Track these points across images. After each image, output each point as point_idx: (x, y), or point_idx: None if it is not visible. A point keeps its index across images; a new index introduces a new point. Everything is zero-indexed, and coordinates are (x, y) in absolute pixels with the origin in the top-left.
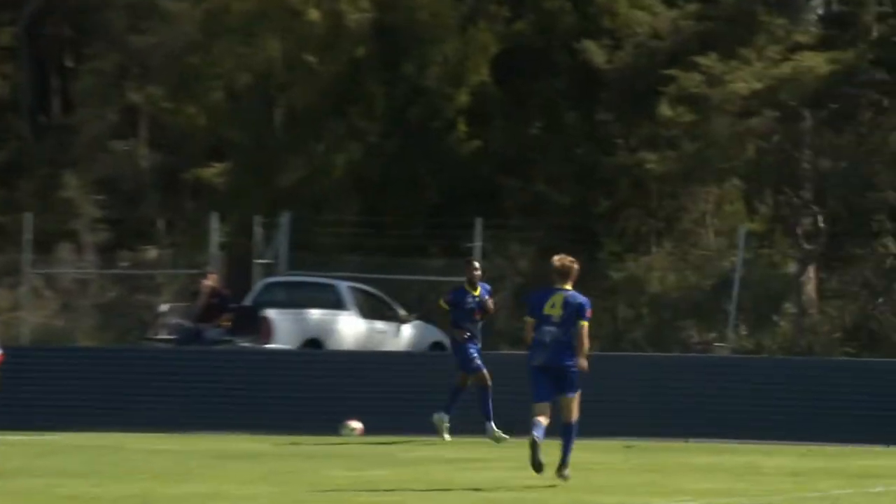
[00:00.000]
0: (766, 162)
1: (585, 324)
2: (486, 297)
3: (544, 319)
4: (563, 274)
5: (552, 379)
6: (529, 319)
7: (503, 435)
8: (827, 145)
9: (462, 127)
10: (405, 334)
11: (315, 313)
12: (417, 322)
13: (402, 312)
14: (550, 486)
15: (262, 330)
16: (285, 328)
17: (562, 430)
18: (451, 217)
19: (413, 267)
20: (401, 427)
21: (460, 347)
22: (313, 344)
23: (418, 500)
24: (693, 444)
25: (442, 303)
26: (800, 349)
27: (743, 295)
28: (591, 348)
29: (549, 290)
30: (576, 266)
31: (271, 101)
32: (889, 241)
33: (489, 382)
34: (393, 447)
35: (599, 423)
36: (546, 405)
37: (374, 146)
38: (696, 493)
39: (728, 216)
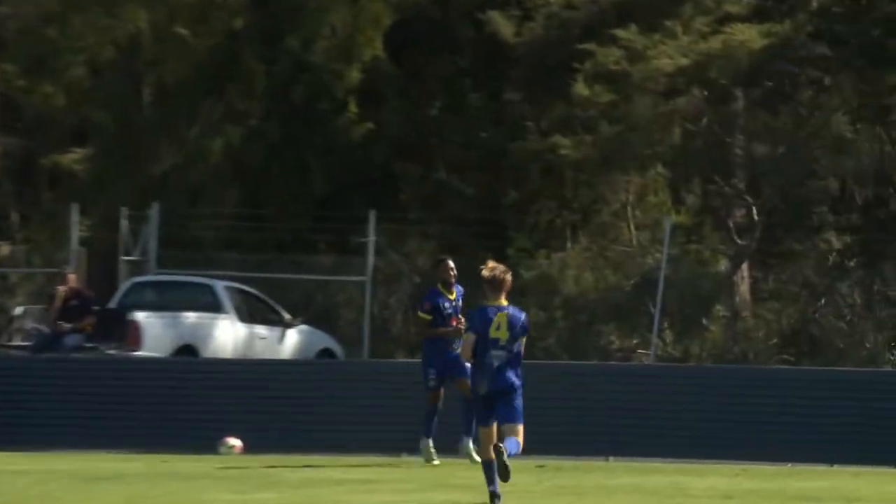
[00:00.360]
0: (693, 147)
1: (524, 339)
2: (460, 301)
3: (491, 343)
4: (497, 286)
5: (496, 402)
6: (470, 336)
7: (433, 456)
8: (761, 128)
9: (353, 108)
10: (290, 340)
11: (189, 317)
12: (304, 327)
13: (286, 316)
14: None
15: (130, 335)
16: (155, 333)
17: (506, 441)
18: (342, 209)
19: (299, 264)
20: (287, 444)
21: (424, 360)
22: (187, 351)
23: None
24: (614, 463)
25: (421, 314)
26: (732, 357)
27: (668, 296)
28: None
29: (489, 309)
30: (509, 276)
31: (139, 78)
32: (831, 235)
33: (438, 403)
34: (278, 467)
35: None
36: (493, 429)
37: (255, 129)
38: None
39: (651, 208)
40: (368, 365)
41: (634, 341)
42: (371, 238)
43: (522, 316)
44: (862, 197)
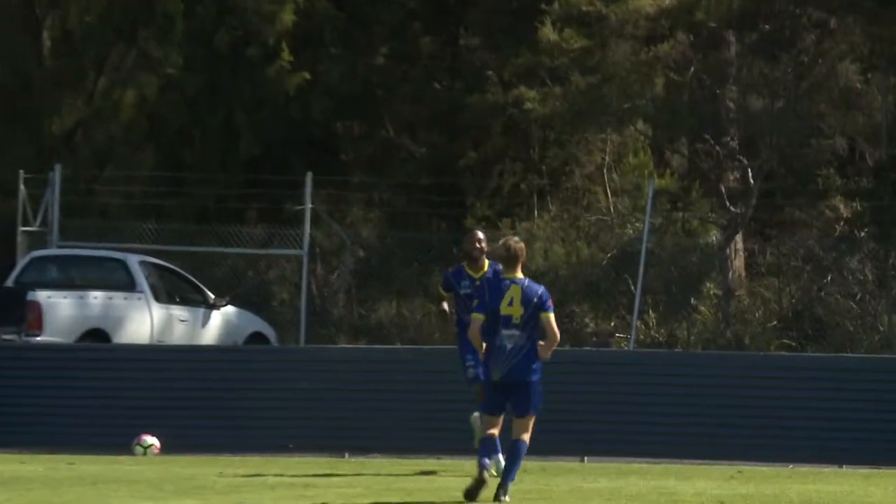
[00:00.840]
0: (679, 101)
1: (551, 315)
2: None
3: (503, 322)
4: (512, 258)
5: (509, 393)
6: (479, 316)
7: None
8: (757, 79)
9: (286, 55)
10: (215, 323)
11: (98, 296)
12: (231, 308)
13: (211, 295)
14: None
15: (30, 318)
16: (59, 315)
17: (510, 448)
18: (274, 172)
19: (225, 236)
20: (212, 443)
21: (458, 349)
22: (96, 336)
23: None
24: (589, 465)
25: (441, 289)
26: (725, 342)
27: (651, 272)
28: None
29: (501, 282)
30: (522, 247)
31: (38, 23)
32: (839, 201)
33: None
34: (202, 469)
35: (469, 438)
36: (499, 419)
37: (173, 80)
38: None
39: (631, 170)
40: (306, 352)
41: (612, 324)
42: (308, 206)
43: (539, 290)
44: (874, 158)
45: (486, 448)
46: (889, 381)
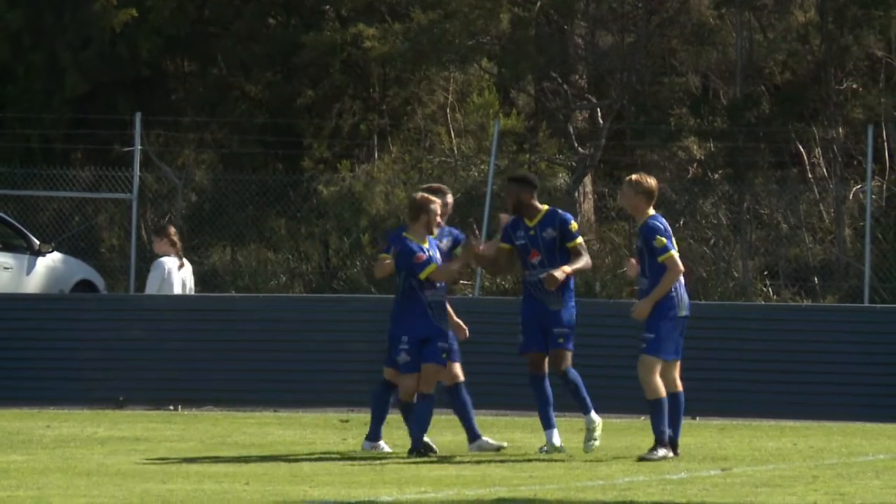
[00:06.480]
0: (524, 37)
1: None
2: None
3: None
4: (654, 196)
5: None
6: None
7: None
8: (607, 14)
9: None
10: (40, 271)
11: None
12: (57, 254)
13: (35, 241)
14: (233, 471)
15: None
16: None
17: (676, 402)
18: (101, 112)
19: (51, 179)
20: (39, 396)
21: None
22: None
23: (61, 493)
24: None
25: (500, 242)
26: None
27: (496, 216)
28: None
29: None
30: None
31: None
32: (692, 142)
33: (543, 369)
34: (28, 422)
35: (306, 390)
36: None
37: None
38: (436, 482)
39: (476, 110)
40: (136, 300)
41: None
42: (137, 147)
43: None
44: (728, 96)
45: (661, 415)
46: (744, 329)
